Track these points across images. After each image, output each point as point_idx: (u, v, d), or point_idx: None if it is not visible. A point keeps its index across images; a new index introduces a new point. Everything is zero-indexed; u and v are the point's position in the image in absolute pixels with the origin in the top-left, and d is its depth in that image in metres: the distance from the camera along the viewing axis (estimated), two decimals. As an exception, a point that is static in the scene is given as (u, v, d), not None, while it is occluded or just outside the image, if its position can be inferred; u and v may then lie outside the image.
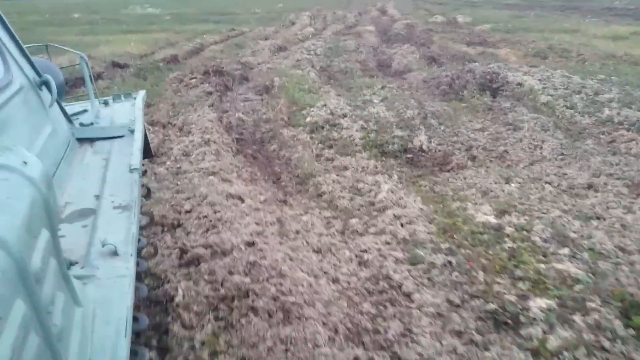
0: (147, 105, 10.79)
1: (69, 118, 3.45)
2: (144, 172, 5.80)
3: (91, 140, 3.42)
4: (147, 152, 4.73)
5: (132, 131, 3.55)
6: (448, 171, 7.38)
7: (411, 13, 38.70)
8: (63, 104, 3.54)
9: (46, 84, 3.00)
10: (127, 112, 4.04)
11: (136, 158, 3.10)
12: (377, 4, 51.23)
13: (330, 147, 8.26)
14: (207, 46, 23.07)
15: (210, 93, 11.07)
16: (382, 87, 11.24)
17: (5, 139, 2.20)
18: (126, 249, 2.19)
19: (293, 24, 33.65)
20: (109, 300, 1.90)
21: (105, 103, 4.34)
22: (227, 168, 7.26)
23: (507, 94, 10.25)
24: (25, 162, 1.48)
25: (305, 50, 18.21)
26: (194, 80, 12.07)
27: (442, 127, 8.75)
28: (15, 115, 2.47)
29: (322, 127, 8.89)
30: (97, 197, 2.65)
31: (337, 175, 7.16)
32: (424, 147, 8.00)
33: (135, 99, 4.44)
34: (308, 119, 9.17)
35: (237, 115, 10.01)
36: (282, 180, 7.42)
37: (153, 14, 46.34)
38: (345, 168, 7.36)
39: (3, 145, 1.52)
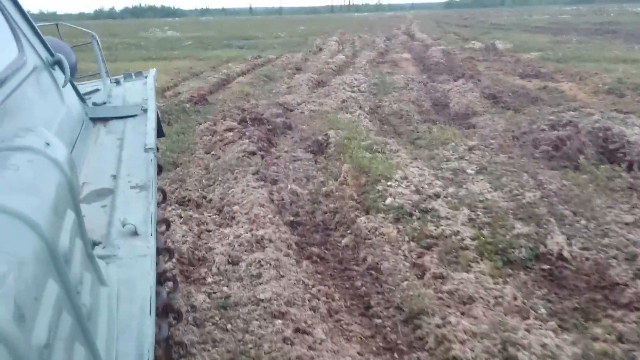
0: (174, 165, 8.54)
1: (82, 97, 3.34)
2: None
3: (104, 119, 3.34)
4: (159, 132, 4.22)
5: (145, 110, 3.43)
6: (622, 306, 4.89)
7: (441, 37, 36.36)
8: (75, 83, 3.38)
9: (59, 63, 2.90)
10: (139, 91, 3.87)
11: (151, 137, 3.03)
12: (400, 26, 49.15)
13: (429, 248, 5.85)
14: (234, 77, 20.89)
15: (252, 153, 8.72)
16: (470, 149, 8.76)
17: (21, 119, 2.15)
18: (146, 229, 2.16)
19: (320, 49, 31.49)
20: (131, 279, 1.88)
21: (117, 82, 4.17)
22: (297, 298, 4.87)
23: (637, 161, 7.75)
24: (47, 144, 1.45)
25: (347, 87, 15.88)
26: (230, 134, 9.72)
27: (578, 218, 6.29)
28: (30, 96, 2.39)
29: (411, 215, 6.49)
30: (114, 177, 2.62)
31: (463, 314, 4.72)
32: (565, 254, 5.55)
33: (146, 77, 4.26)
34: (388, 201, 6.78)
35: (289, 186, 7.64)
36: (374, 314, 5.01)
37: (173, 37, 44.40)
38: (471, 299, 4.92)
39: (25, 127, 1.52)
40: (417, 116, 12.90)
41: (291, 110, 13.38)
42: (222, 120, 11.66)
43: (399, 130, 11.89)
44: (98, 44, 3.94)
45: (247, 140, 9.34)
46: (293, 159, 9.16)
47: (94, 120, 3.37)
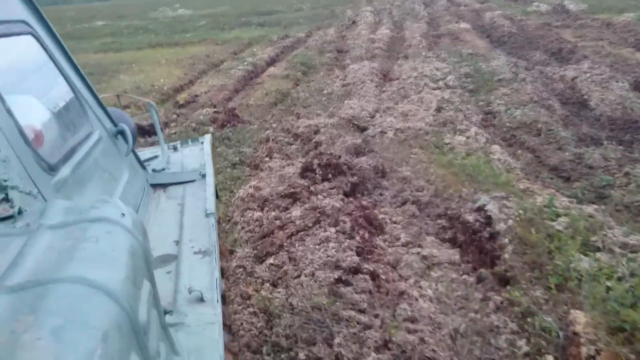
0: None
1: (142, 164, 3.35)
2: None
3: (164, 185, 3.35)
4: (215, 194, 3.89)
5: (203, 175, 3.43)
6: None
7: (488, 0, 30.98)
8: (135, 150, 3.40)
9: (122, 133, 2.94)
10: (196, 156, 3.89)
11: (211, 202, 3.00)
12: (431, -11, 43.28)
13: None
14: (263, 68, 16.25)
15: (352, 271, 4.22)
16: None
17: (90, 188, 2.22)
18: (212, 295, 2.13)
19: (354, 22, 26.51)
20: (201, 348, 1.84)
21: (175, 148, 4.16)
22: None
23: None
24: (123, 214, 1.45)
25: (428, 80, 11.08)
26: (294, 212, 5.13)
27: None
28: (97, 165, 2.44)
29: None
30: (177, 242, 2.59)
31: None
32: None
33: (202, 143, 4.20)
34: None
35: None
36: None
37: (185, 16, 39.35)
38: None
39: (102, 199, 1.54)
40: (562, 129, 8.13)
41: (365, 129, 8.69)
42: (268, 162, 7.04)
43: (549, 161, 7.19)
44: (156, 112, 3.80)
45: (334, 232, 4.72)
46: (424, 260, 4.54)
47: (154, 186, 3.34)
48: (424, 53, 14.70)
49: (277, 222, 5.18)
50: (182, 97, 12.93)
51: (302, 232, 4.91)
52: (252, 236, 5.16)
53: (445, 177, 6.30)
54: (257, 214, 5.43)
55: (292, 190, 5.73)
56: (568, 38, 16.98)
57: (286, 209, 5.49)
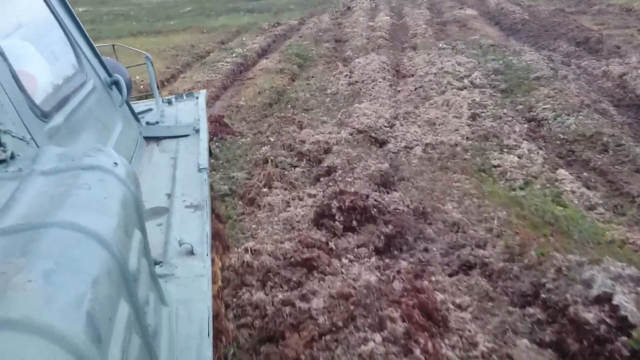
0: None
1: (136, 117, 3.29)
2: None
3: (157, 138, 3.28)
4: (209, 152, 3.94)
5: (197, 130, 3.38)
6: None
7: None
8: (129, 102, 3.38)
9: (116, 83, 2.91)
10: (191, 111, 3.84)
11: (204, 157, 2.96)
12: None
13: None
14: (254, 60, 14.41)
15: None
16: None
17: (83, 137, 2.20)
18: (202, 249, 2.12)
19: (349, 8, 24.54)
20: (189, 299, 1.83)
21: (169, 102, 4.08)
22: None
23: None
24: (115, 163, 1.44)
25: (451, 78, 9.28)
26: (317, 306, 3.32)
27: None
28: (90, 114, 2.41)
29: None
30: (169, 195, 2.55)
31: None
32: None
33: (197, 97, 4.15)
34: None
35: None
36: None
37: (169, 2, 37.04)
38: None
39: (95, 147, 1.53)
40: (633, 143, 6.41)
41: (384, 143, 6.92)
42: (267, 194, 5.27)
43: (631, 189, 5.44)
44: (152, 64, 3.81)
45: (379, 340, 2.97)
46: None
47: (148, 139, 3.26)
48: (439, 44, 12.82)
49: (289, 313, 3.37)
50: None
51: (328, 337, 3.11)
52: (250, 335, 3.36)
53: (512, 223, 4.53)
54: (258, 295, 3.62)
55: (305, 254, 3.91)
56: (588, 25, 15.26)
57: (299, 284, 3.70)
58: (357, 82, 9.72)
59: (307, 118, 8.21)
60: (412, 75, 10.01)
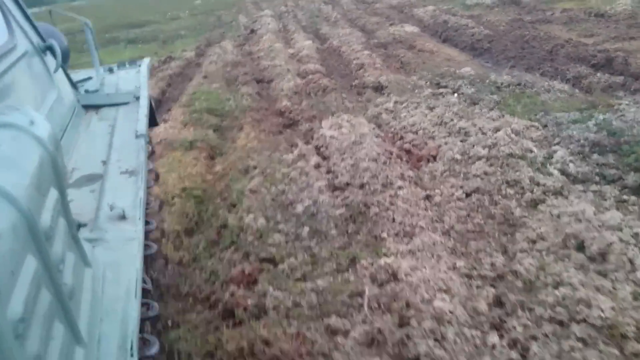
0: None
1: (74, 84, 3.21)
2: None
3: (97, 107, 3.20)
4: (152, 121, 3.94)
5: (137, 98, 3.26)
6: None
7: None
8: (68, 70, 3.26)
9: (50, 49, 2.77)
10: (132, 79, 3.69)
11: (142, 124, 2.85)
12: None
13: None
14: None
15: None
16: None
17: (10, 102, 2.07)
18: (134, 213, 2.07)
19: (253, 31, 19.97)
20: (118, 262, 1.81)
21: (110, 70, 3.94)
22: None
23: None
24: (32, 122, 1.39)
25: (526, 164, 4.92)
26: None
27: None
28: (20, 80, 2.31)
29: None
30: (104, 162, 2.50)
31: None
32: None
33: (140, 66, 3.95)
34: None
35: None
36: None
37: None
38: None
39: (10, 105, 1.51)
40: None
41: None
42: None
43: None
44: (91, 31, 3.58)
45: None
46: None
47: (87, 107, 3.15)
48: (415, 81, 8.52)
49: None
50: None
51: None
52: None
53: None
54: None
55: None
56: (572, 37, 11.62)
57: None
58: (350, 185, 5.13)
59: (279, 297, 3.61)
60: (435, 158, 5.59)
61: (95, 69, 3.76)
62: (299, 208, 4.87)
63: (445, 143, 5.67)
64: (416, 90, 8.29)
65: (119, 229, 1.95)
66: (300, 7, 25.61)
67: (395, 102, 7.76)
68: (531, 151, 5.11)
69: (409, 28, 15.13)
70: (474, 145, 5.44)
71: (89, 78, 3.67)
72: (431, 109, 6.96)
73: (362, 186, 4.97)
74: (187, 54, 16.75)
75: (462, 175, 5.04)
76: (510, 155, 5.04)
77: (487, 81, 7.94)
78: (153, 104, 4.18)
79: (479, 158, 5.17)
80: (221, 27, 22.99)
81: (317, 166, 5.71)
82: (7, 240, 1.00)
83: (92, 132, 2.88)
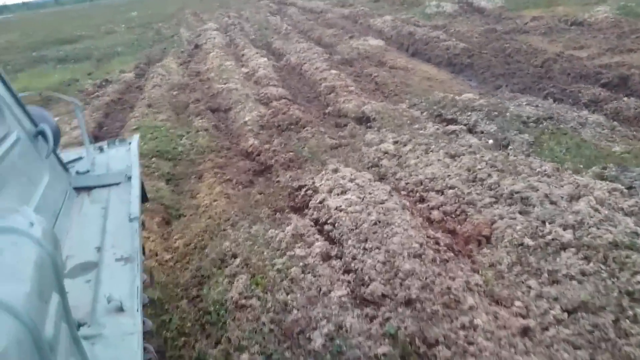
0: None
1: (65, 167, 3.05)
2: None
3: (88, 188, 3.02)
4: (143, 197, 3.63)
5: (129, 178, 3.10)
6: None
7: (352, 3, 23.98)
8: (58, 151, 3.08)
9: (42, 133, 2.66)
10: (123, 158, 3.51)
11: (135, 206, 2.71)
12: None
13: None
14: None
15: None
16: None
17: (5, 192, 2.04)
18: (132, 304, 1.95)
19: (197, 46, 18.07)
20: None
21: (101, 149, 3.72)
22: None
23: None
24: (31, 223, 1.35)
25: (636, 255, 3.28)
26: None
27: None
28: (13, 168, 2.23)
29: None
30: (98, 249, 2.36)
31: None
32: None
33: (130, 144, 3.75)
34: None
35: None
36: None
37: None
38: None
39: (9, 207, 1.46)
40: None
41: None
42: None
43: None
44: (81, 111, 3.52)
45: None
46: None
47: (78, 189, 2.98)
48: (407, 110, 6.87)
49: None
50: None
51: None
52: None
53: None
54: None
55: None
56: (560, 50, 10.34)
57: None
58: (388, 298, 3.40)
59: None
60: (488, 239, 3.93)
61: (85, 148, 3.56)
62: (317, 340, 3.14)
63: (500, 217, 4.05)
64: (416, 125, 6.68)
65: (117, 322, 1.82)
66: (246, 18, 23.74)
67: (396, 143, 6.12)
68: (627, 232, 3.55)
69: (373, 42, 13.58)
70: (545, 222, 3.84)
71: (80, 158, 3.46)
72: (453, 156, 5.33)
73: (409, 303, 3.26)
74: (126, 75, 14.63)
75: (545, 274, 3.41)
76: (614, 244, 3.46)
77: (507, 114, 6.39)
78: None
79: (564, 246, 3.57)
80: (162, 42, 20.86)
81: (327, 257, 3.98)
82: (12, 356, 0.95)
83: (84, 216, 2.68)
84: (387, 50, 12.74)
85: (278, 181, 6.23)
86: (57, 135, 2.98)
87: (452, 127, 6.18)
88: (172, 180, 7.15)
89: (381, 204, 4.30)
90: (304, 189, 5.25)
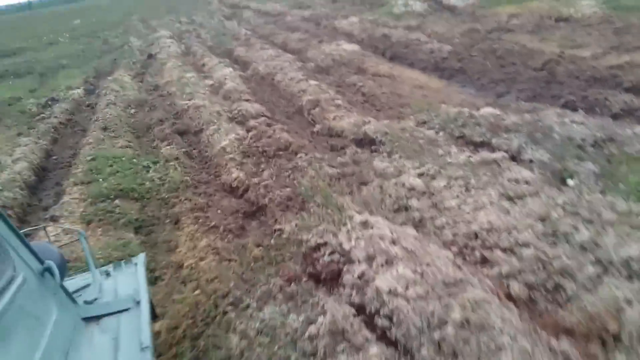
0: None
1: (72, 298, 2.81)
2: None
3: (97, 317, 2.80)
4: (153, 315, 3.46)
5: (138, 302, 2.86)
6: None
7: (309, 5, 22.74)
8: (64, 282, 2.87)
9: (49, 270, 2.51)
10: (130, 280, 3.26)
11: (146, 334, 2.53)
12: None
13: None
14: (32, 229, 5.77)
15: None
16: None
17: (15, 336, 1.95)
18: None
19: (151, 56, 16.58)
20: None
21: (107, 274, 3.46)
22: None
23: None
24: None
25: None
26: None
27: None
28: (21, 311, 2.11)
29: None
30: None
31: None
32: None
33: (136, 264, 3.45)
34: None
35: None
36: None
37: None
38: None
39: None
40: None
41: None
42: None
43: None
44: (86, 239, 3.46)
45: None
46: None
47: (87, 319, 2.77)
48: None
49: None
50: None
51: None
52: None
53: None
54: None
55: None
56: (557, 50, 9.41)
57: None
58: None
59: None
60: (618, 337, 2.77)
61: (92, 275, 3.24)
62: None
63: (627, 301, 2.88)
64: (439, 151, 5.50)
65: None
66: (199, 24, 22.17)
67: (421, 175, 4.91)
68: None
69: (347, 46, 12.39)
70: None
71: (87, 285, 3.16)
72: (511, 198, 4.16)
73: None
74: (75, 92, 13.00)
75: None
76: None
77: (554, 135, 5.26)
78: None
79: None
80: (111, 52, 19.14)
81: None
82: None
83: (95, 348, 2.51)
84: (365, 56, 11.56)
85: (280, 230, 4.95)
86: (63, 267, 2.85)
87: (488, 155, 5.02)
88: (142, 229, 5.80)
89: (454, 285, 3.08)
90: (325, 250, 3.98)
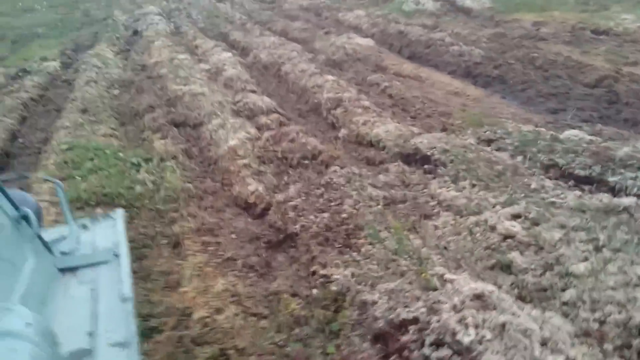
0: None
1: (49, 248, 2.70)
2: None
3: (74, 269, 2.67)
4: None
5: (117, 255, 2.72)
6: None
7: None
8: (40, 232, 2.73)
9: (25, 218, 2.42)
10: (109, 234, 3.09)
11: (127, 285, 2.38)
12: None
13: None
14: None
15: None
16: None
17: None
18: None
19: (137, 33, 14.91)
20: None
21: (84, 226, 3.24)
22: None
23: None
24: (28, 323, 1.26)
25: None
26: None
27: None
28: None
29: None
30: (91, 334, 2.08)
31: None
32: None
33: (115, 219, 3.25)
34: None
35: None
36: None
37: None
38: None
39: (3, 306, 1.34)
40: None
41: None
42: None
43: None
44: (62, 190, 3.19)
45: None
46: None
47: (64, 270, 2.64)
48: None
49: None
50: None
51: None
52: None
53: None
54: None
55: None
56: (602, 64, 8.28)
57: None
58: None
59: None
60: None
61: (69, 227, 3.03)
62: None
63: None
64: (531, 184, 4.18)
65: None
66: (189, 2, 20.43)
67: (516, 217, 3.61)
68: None
69: (361, 40, 11.01)
70: None
71: (63, 237, 2.95)
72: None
73: None
74: (50, 64, 11.31)
75: None
76: None
77: None
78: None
79: None
80: (92, 25, 17.35)
81: None
82: None
83: (72, 299, 2.37)
84: (382, 53, 10.23)
85: (326, 277, 3.58)
86: (39, 217, 2.71)
87: (610, 198, 3.74)
88: (131, 251, 4.32)
89: None
90: (415, 330, 2.64)
